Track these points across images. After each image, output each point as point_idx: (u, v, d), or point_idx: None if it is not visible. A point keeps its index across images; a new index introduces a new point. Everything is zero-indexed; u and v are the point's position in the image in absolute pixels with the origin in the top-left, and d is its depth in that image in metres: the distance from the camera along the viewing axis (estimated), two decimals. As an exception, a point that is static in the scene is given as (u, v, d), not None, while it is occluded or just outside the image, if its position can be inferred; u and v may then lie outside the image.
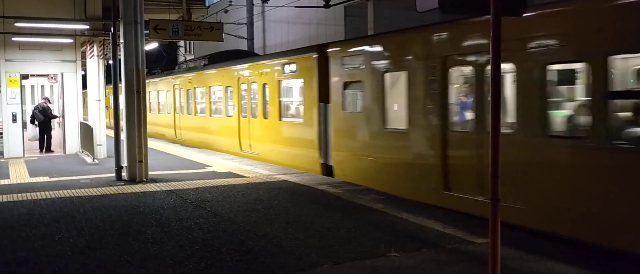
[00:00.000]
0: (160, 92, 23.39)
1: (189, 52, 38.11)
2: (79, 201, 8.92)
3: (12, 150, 15.84)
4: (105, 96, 16.32)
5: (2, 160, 15.10)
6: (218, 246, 6.29)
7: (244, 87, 15.37)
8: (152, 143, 18.20)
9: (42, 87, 23.05)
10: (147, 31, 13.03)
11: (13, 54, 15.83)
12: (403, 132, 9.16)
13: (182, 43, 29.89)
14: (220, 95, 17.28)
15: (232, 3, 29.07)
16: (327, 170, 11.47)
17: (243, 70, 15.49)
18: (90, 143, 15.01)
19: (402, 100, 9.22)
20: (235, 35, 26.43)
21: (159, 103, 23.59)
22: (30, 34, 15.40)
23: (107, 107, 17.29)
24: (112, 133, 12.15)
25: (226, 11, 29.01)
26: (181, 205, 8.58)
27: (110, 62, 12.57)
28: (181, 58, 28.81)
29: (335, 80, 11.07)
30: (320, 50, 11.57)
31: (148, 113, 23.37)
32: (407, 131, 9.07)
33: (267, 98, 13.89)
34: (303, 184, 10.23)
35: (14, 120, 15.82)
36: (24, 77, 16.40)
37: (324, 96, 11.46)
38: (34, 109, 17.31)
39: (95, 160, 14.44)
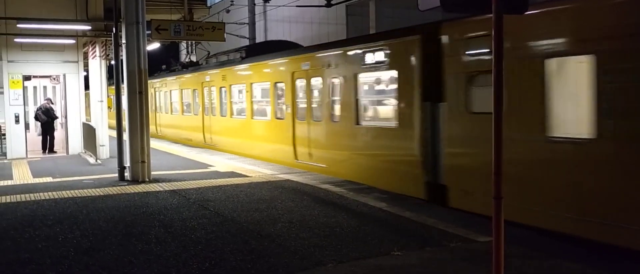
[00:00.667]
0: (184, 90, 20.62)
1: (192, 52, 38.12)
2: (82, 202, 8.93)
3: (15, 151, 15.87)
4: (108, 97, 16.35)
5: (5, 161, 15.14)
6: (221, 246, 6.29)
7: (300, 83, 12.62)
8: (167, 147, 18.32)
9: (45, 88, 23.07)
10: (149, 31, 13.05)
11: (15, 55, 15.86)
12: (581, 142, 6.27)
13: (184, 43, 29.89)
14: (265, 94, 14.58)
15: (234, 3, 29.07)
16: (435, 191, 8.59)
17: (299, 62, 12.62)
18: (92, 143, 15.04)
19: (581, 95, 6.33)
20: (237, 35, 26.43)
21: (182, 103, 20.82)
22: (33, 35, 15.43)
23: (109, 108, 17.35)
24: (114, 133, 12.16)
25: (228, 11, 29.01)
26: (184, 205, 8.59)
27: (113, 62, 12.59)
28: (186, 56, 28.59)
29: (454, 71, 8.13)
30: (427, 31, 8.75)
31: (168, 116, 22.23)
32: (595, 141, 6.08)
33: (336, 97, 11.17)
34: (306, 183, 10.23)
35: (17, 121, 15.85)
36: (27, 78, 16.41)
37: (431, 92, 8.61)
38: (37, 110, 17.34)
39: (98, 160, 14.46)
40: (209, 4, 24.46)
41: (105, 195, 9.53)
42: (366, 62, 10.10)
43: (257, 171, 11.98)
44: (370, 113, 10.74)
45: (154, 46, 17.71)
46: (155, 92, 24.01)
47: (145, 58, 11.18)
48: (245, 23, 28.18)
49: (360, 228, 6.91)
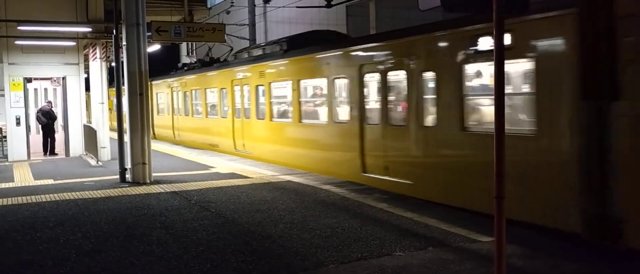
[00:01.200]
0: (209, 90, 17.97)
1: (191, 53, 38.14)
2: (83, 204, 8.93)
3: (16, 153, 15.88)
4: (109, 98, 16.36)
5: (7, 163, 15.14)
6: (223, 247, 6.29)
7: (370, 78, 10.16)
8: (168, 148, 18.28)
9: (46, 90, 23.09)
10: (150, 33, 13.06)
11: (16, 58, 15.87)
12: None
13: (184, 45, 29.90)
14: (318, 93, 12.54)
15: (234, 4, 29.09)
16: (600, 224, 6.05)
17: (367, 53, 10.22)
18: (93, 145, 15.04)
19: None
20: (237, 36, 26.44)
21: (206, 104, 18.13)
22: (33, 38, 15.44)
23: (110, 110, 17.36)
24: (115, 135, 12.16)
25: (228, 12, 29.02)
26: (185, 206, 8.59)
27: (113, 64, 12.59)
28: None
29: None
30: (591, 2, 6.23)
31: (188, 119, 19.93)
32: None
33: (429, 95, 8.67)
34: (307, 184, 10.22)
35: (18, 124, 15.86)
36: (28, 80, 16.42)
37: (593, 88, 6.21)
38: (38, 112, 17.36)
39: (99, 162, 14.46)
40: (209, 6, 24.49)
41: (106, 197, 9.54)
42: (477, 47, 7.56)
43: (257, 172, 11.98)
44: (489, 116, 7.97)
45: (155, 48, 17.72)
46: (172, 92, 21.71)
47: (146, 59, 11.19)
48: (245, 24, 28.19)
49: (362, 229, 6.91)
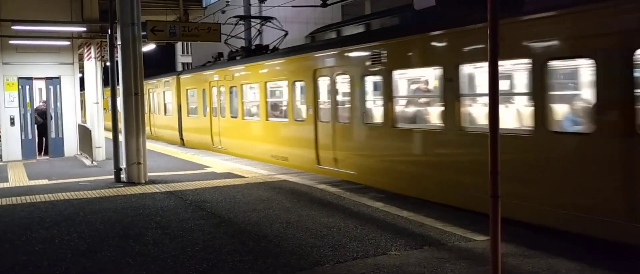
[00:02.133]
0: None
1: (186, 52, 38.06)
2: (78, 204, 8.91)
3: (11, 153, 15.82)
4: (104, 98, 16.30)
5: (1, 164, 15.08)
6: (219, 247, 6.29)
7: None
8: (158, 146, 18.23)
9: (40, 89, 22.99)
10: (145, 33, 13.03)
11: (10, 57, 15.81)
12: None
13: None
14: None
15: (229, 3, 29.05)
16: None
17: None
18: (88, 145, 15.00)
19: None
20: (233, 36, 26.40)
21: (266, 103, 13.60)
22: (28, 37, 15.38)
23: (105, 109, 17.29)
24: (110, 135, 12.14)
25: (223, 12, 28.98)
26: (181, 206, 8.58)
27: (108, 64, 12.55)
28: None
29: None
30: None
31: (224, 120, 15.86)
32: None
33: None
34: (303, 184, 10.22)
35: (12, 124, 15.80)
36: (28, 79, 16.35)
37: None
38: (34, 112, 17.28)
39: (94, 162, 14.42)
40: (204, 5, 24.44)
41: (101, 197, 9.51)
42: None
43: (253, 171, 11.97)
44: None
45: (150, 47, 17.68)
46: (209, 88, 17.07)
47: (141, 59, 11.16)
48: (240, 23, 28.15)
49: (358, 228, 6.91)
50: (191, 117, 18.95)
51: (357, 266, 5.46)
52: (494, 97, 4.21)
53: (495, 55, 4.19)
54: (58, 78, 16.43)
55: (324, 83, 11.31)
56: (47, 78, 16.59)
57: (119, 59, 11.19)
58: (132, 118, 11.03)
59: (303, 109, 11.99)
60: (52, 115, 16.66)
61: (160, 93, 22.26)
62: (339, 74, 10.57)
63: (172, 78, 20.67)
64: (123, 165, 11.24)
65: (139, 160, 11.03)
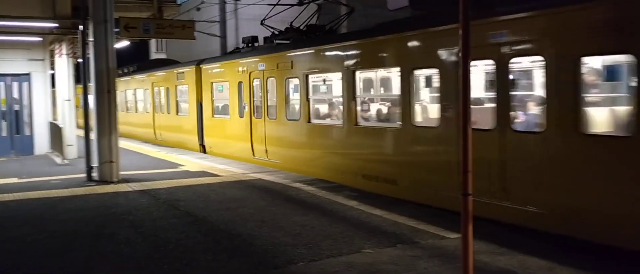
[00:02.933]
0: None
1: (161, 50, 37.69)
2: (50, 203, 8.78)
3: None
4: (76, 96, 16.06)
5: (-31, 162, 14.78)
6: (192, 246, 6.26)
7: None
8: (134, 145, 17.97)
9: (9, 86, 22.53)
10: (118, 29, 12.88)
11: (-20, 53, 15.50)
12: None
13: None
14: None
15: (204, 1, 28.86)
16: None
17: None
18: (59, 143, 14.77)
19: None
20: (208, 34, 26.25)
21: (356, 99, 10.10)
22: (-3, 33, 15.09)
23: (77, 107, 17.03)
24: (83, 133, 11.97)
25: (198, 9, 28.78)
26: (154, 205, 8.51)
27: (80, 61, 12.38)
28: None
29: None
30: None
31: (274, 122, 11.80)
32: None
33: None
34: (277, 182, 10.23)
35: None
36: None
37: None
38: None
39: (65, 160, 14.21)
40: (178, 2, 24.23)
41: (73, 196, 9.38)
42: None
43: (227, 170, 11.93)
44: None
45: (123, 44, 17.46)
46: (249, 80, 13.12)
47: (113, 56, 11.03)
48: (216, 21, 28.00)
49: (332, 226, 6.95)
50: (219, 118, 15.03)
51: (331, 264, 5.50)
52: (465, 98, 4.27)
53: (467, 56, 4.26)
54: (28, 74, 16.15)
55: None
56: (13, 75, 16.26)
57: (92, 56, 11.04)
58: (104, 116, 10.89)
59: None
60: (21, 112, 16.35)
61: (168, 89, 18.14)
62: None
63: (188, 69, 16.54)
64: (95, 163, 11.10)
65: (112, 159, 10.90)
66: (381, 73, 10.73)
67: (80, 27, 11.71)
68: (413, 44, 8.37)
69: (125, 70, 22.65)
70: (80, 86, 12.11)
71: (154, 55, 36.70)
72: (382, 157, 9.22)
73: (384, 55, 9.20)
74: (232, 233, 6.74)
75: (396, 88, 9.19)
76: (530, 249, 5.80)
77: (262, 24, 13.80)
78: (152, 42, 36.36)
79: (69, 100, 15.47)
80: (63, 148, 14.53)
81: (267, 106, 12.45)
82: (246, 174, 11.28)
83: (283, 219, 7.40)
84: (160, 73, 19.17)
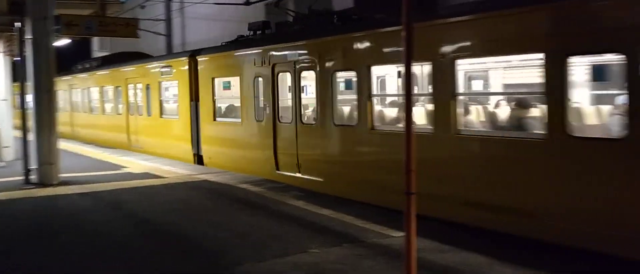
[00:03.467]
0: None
1: (105, 48, 36.74)
2: (-16, 207, 8.42)
3: None
4: (13, 95, 15.45)
5: None
6: (137, 248, 6.13)
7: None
8: (75, 147, 17.41)
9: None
10: (58, 27, 12.47)
11: None
12: None
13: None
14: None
15: (149, -1, 28.29)
16: None
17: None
18: (-5, 144, 14.18)
19: None
20: (153, 32, 25.76)
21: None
22: None
23: (15, 107, 16.37)
24: (21, 134, 11.53)
25: (142, 7, 28.18)
26: (96, 207, 8.29)
27: (18, 59, 11.93)
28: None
29: None
30: None
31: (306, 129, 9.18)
32: None
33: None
34: (224, 183, 10.13)
35: None
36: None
37: None
38: None
39: (1, 162, 13.65)
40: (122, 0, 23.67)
41: (10, 199, 9.02)
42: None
43: (173, 171, 11.73)
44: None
45: (64, 42, 16.90)
46: (272, 75, 10.34)
47: (53, 55, 10.68)
48: (161, 19, 27.51)
49: (279, 227, 6.94)
50: (224, 121, 12.29)
51: (277, 265, 5.49)
52: (409, 98, 4.35)
53: (409, 59, 4.33)
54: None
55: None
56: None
57: (29, 54, 10.65)
58: (43, 117, 10.52)
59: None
60: None
61: (149, 86, 15.13)
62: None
63: (178, 62, 13.76)
64: (33, 166, 10.70)
65: (51, 160, 10.54)
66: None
67: (18, 24, 11.26)
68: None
69: (87, 65, 20.68)
70: (18, 84, 11.66)
71: (97, 54, 35.78)
72: None
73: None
74: (178, 235, 6.64)
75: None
76: (473, 247, 5.94)
77: (276, 6, 12.99)
78: (95, 41, 35.39)
79: (5, 99, 14.86)
80: (-1, 150, 13.96)
81: (300, 107, 9.79)
82: (192, 175, 11.12)
83: (230, 220, 7.34)
84: (136, 68, 16.08)
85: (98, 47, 37.18)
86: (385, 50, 7.99)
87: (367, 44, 8.33)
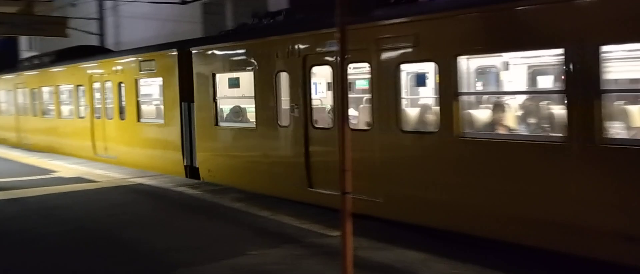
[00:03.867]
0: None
1: (34, 48, 35.30)
2: None
3: None
4: None
5: None
6: (69, 255, 5.92)
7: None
8: (3, 152, 16.53)
9: None
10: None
11: None
12: None
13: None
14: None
15: (81, -3, 27.37)
16: None
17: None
18: None
19: None
20: (85, 31, 24.94)
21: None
22: None
23: None
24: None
25: (73, 5, 27.23)
26: (25, 214, 7.95)
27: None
28: None
29: None
30: None
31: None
32: None
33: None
34: (160, 187, 9.93)
35: None
36: None
37: None
38: None
39: None
40: (52, -3, 22.79)
41: None
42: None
43: (106, 175, 11.39)
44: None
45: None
46: (305, 67, 8.15)
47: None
48: (94, 18, 26.65)
49: (217, 230, 6.86)
50: (230, 126, 9.93)
51: (215, 269, 5.42)
52: (343, 98, 4.38)
53: (344, 60, 4.36)
54: None
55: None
56: None
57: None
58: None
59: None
60: None
61: (122, 85, 12.79)
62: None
63: (160, 55, 11.59)
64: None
65: (-25, 166, 10.01)
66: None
67: None
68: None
69: (36, 62, 17.41)
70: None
71: (26, 54, 34.33)
72: None
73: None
74: (113, 240, 6.46)
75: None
76: (407, 243, 6.05)
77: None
78: (23, 40, 33.93)
79: None
80: None
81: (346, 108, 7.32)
82: (126, 179, 10.83)
83: (167, 224, 7.21)
84: (104, 63, 13.78)
85: (27, 47, 35.67)
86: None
87: (463, 26, 6.21)
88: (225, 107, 10.23)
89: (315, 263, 5.52)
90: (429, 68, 7.33)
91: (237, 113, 10.27)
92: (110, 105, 13.36)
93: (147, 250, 6.04)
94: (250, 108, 9.61)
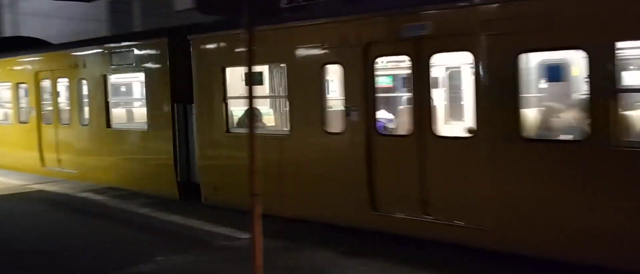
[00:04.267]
0: None
1: None
2: None
3: None
4: None
5: None
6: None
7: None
8: None
9: None
10: None
11: None
12: None
13: None
14: None
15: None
16: None
17: None
18: None
19: None
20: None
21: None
22: None
23: None
24: None
25: (-33, 1, 25.47)
26: None
27: None
28: None
29: None
30: None
31: None
32: None
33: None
34: (62, 192, 9.47)
35: None
36: None
37: None
38: None
39: None
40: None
41: None
42: None
43: (2, 182, 10.70)
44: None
45: None
46: (365, 59, 6.46)
47: None
48: (-11, 15, 25.03)
49: (123, 236, 6.63)
50: (242, 133, 6.63)
51: (119, 277, 5.22)
52: (251, 101, 4.35)
53: (251, 61, 4.33)
54: None
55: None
56: None
57: None
58: None
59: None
60: None
61: (83, 83, 10.58)
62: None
63: (143, 46, 9.42)
64: None
65: None
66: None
67: None
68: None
69: None
70: None
71: None
72: None
73: None
74: (8, 250, 6.10)
75: None
76: (319, 243, 6.07)
77: None
78: None
79: None
80: None
81: (430, 110, 6.12)
82: (25, 185, 10.24)
83: (68, 232, 6.89)
84: (56, 57, 11.50)
85: None
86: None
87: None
88: (235, 109, 8.08)
89: (225, 267, 5.45)
90: (568, 58, 5.89)
91: (259, 116, 8.23)
92: (66, 108, 11.13)
93: (48, 259, 5.76)
94: (265, 110, 8.20)
